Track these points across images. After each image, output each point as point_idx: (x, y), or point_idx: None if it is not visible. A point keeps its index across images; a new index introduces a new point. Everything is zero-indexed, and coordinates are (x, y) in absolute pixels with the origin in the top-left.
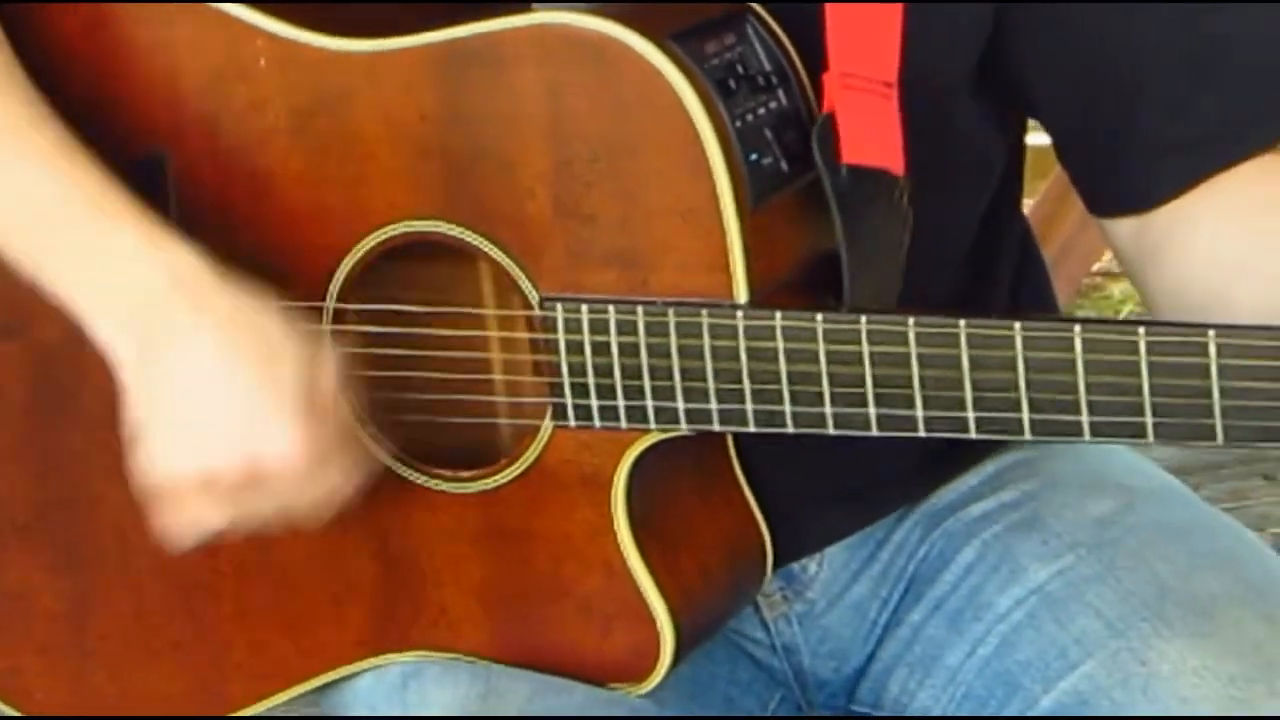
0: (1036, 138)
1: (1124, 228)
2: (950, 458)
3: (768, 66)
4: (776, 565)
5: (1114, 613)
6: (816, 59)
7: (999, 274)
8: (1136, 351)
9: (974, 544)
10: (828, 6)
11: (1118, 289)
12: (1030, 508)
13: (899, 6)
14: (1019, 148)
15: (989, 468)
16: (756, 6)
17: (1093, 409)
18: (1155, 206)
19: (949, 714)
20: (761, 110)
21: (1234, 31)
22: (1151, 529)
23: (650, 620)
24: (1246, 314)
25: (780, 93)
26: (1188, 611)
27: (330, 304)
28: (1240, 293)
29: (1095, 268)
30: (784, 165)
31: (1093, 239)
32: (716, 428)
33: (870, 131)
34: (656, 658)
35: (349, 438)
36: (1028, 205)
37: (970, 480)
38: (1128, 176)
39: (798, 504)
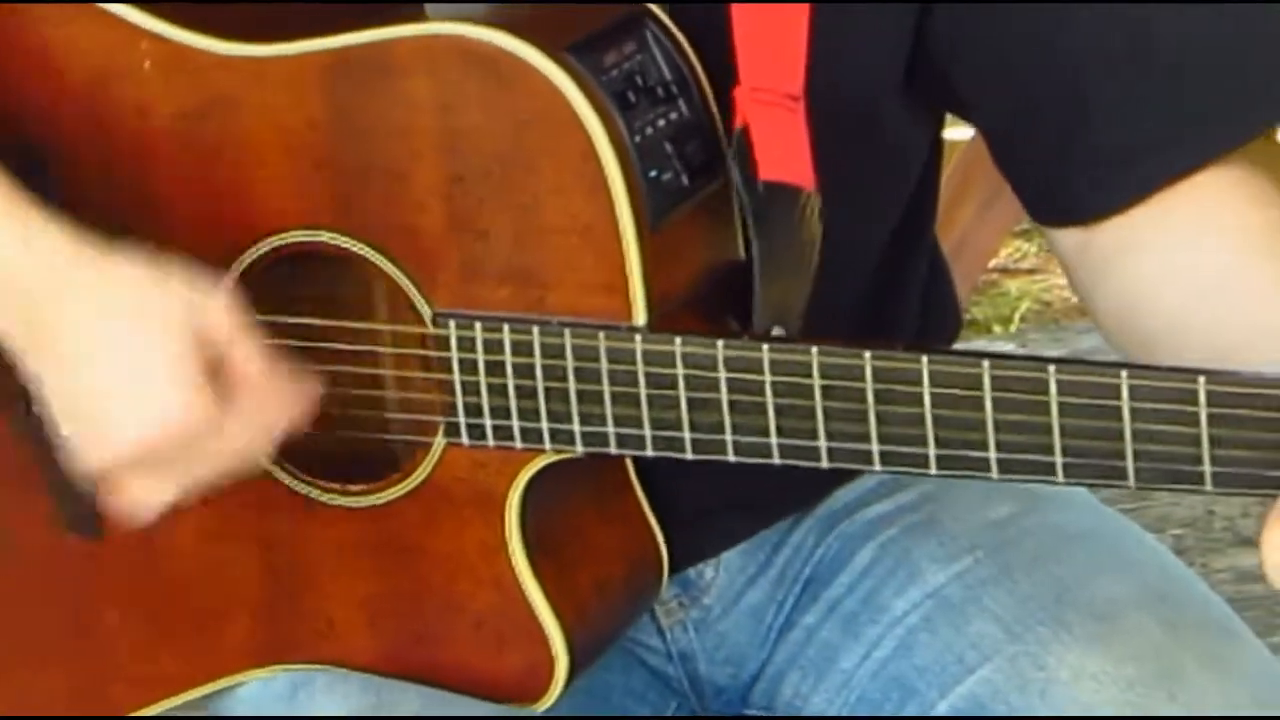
0: None
1: (1069, 239)
2: None
3: (668, 75)
4: (673, 572)
5: (1011, 616)
6: (727, 71)
7: (911, 280)
8: (1047, 391)
9: (870, 546)
10: (735, 19)
11: (1014, 286)
12: (928, 510)
13: (804, 20)
14: (938, 145)
15: None
16: (655, 8)
17: (1000, 446)
18: (1101, 219)
19: (842, 716)
20: (661, 122)
21: (1177, 34)
22: (1050, 532)
23: (544, 641)
24: (1201, 350)
25: (681, 103)
26: (1087, 616)
27: None
28: (1196, 324)
29: (992, 264)
30: (685, 179)
31: (989, 236)
32: (613, 451)
33: (781, 147)
34: (550, 679)
35: (267, 371)
36: None
37: (868, 482)
38: (1070, 186)
39: (695, 510)
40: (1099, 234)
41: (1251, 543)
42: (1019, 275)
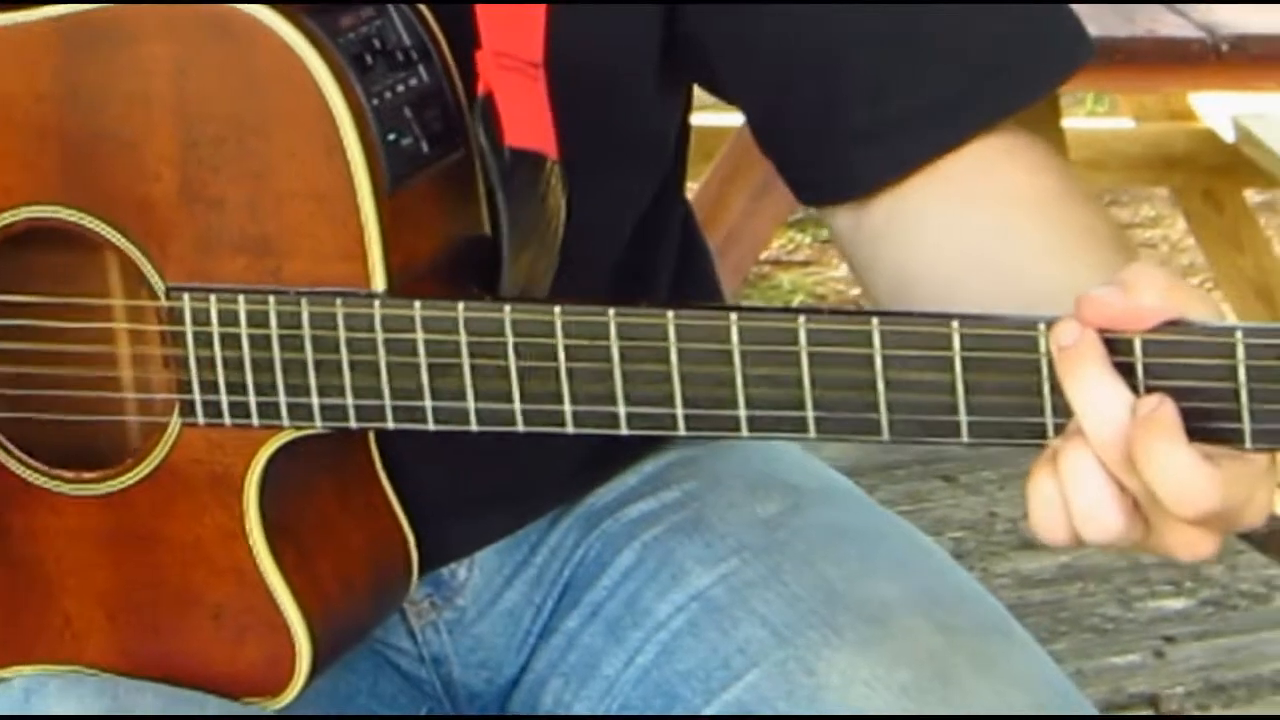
0: (701, 117)
1: (841, 219)
2: (609, 455)
3: (407, 41)
4: (423, 571)
5: (781, 620)
6: (471, 36)
7: (660, 260)
8: (796, 341)
9: (633, 546)
10: None
11: (787, 278)
12: (693, 508)
13: None
14: (685, 127)
15: (649, 466)
16: None
17: (750, 402)
18: (866, 195)
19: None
20: (400, 88)
21: (938, 9)
22: (821, 531)
23: (285, 631)
24: None
25: (421, 69)
26: (859, 619)
27: None
28: (969, 293)
29: (764, 256)
30: (425, 146)
31: (760, 226)
32: (354, 424)
33: (524, 113)
34: (292, 671)
35: None
36: (692, 190)
37: (630, 479)
38: (833, 163)
39: (445, 506)
40: (870, 210)
41: (1033, 546)
42: (792, 267)
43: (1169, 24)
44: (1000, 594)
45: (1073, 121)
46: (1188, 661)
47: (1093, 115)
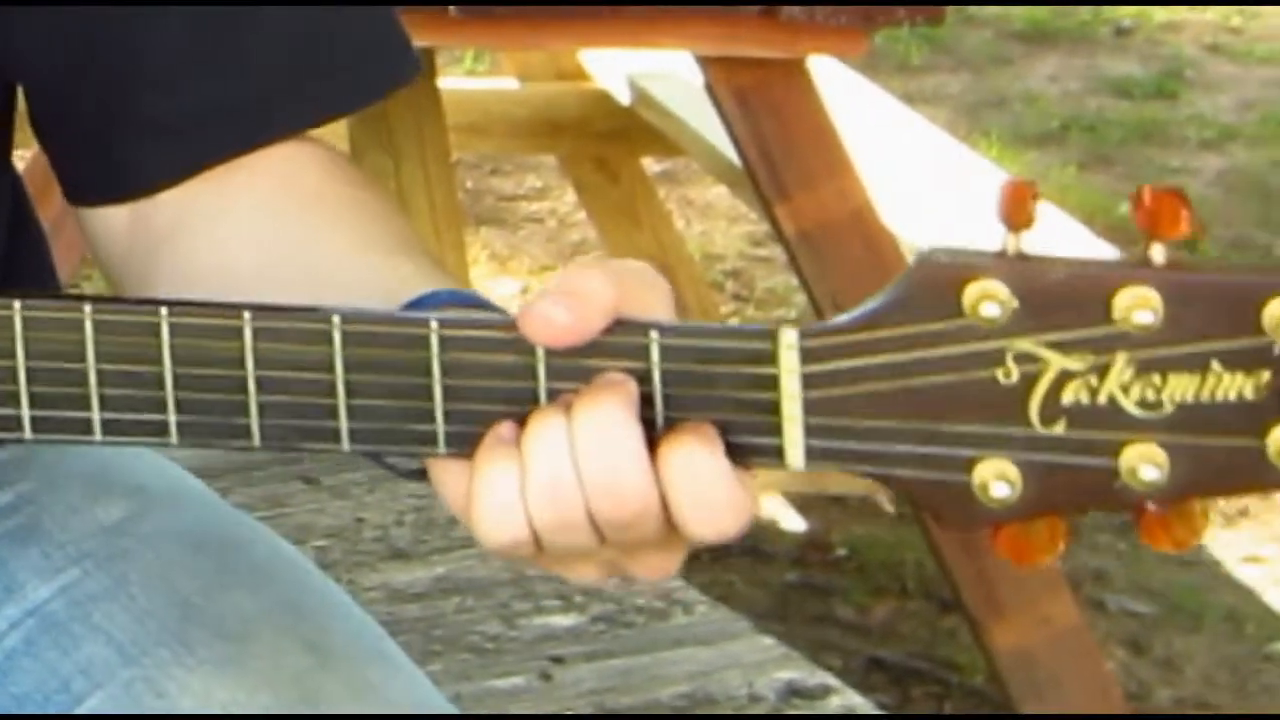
0: None
1: (115, 225)
2: None
3: None
4: None
5: (127, 636)
6: None
7: None
8: (158, 335)
9: None
10: None
11: None
12: (27, 513)
13: None
14: (11, 91)
15: None
16: None
17: (106, 404)
18: (146, 194)
19: None
20: None
21: (249, 9)
22: (171, 539)
23: None
24: None
25: None
26: (214, 635)
27: None
28: (272, 294)
29: None
30: None
31: None
32: None
33: None
34: None
35: None
36: (24, 158)
37: None
38: (117, 158)
39: None
40: (154, 212)
41: (406, 555)
42: None
43: None
44: (371, 610)
45: (450, 81)
46: (577, 685)
47: (472, 75)
